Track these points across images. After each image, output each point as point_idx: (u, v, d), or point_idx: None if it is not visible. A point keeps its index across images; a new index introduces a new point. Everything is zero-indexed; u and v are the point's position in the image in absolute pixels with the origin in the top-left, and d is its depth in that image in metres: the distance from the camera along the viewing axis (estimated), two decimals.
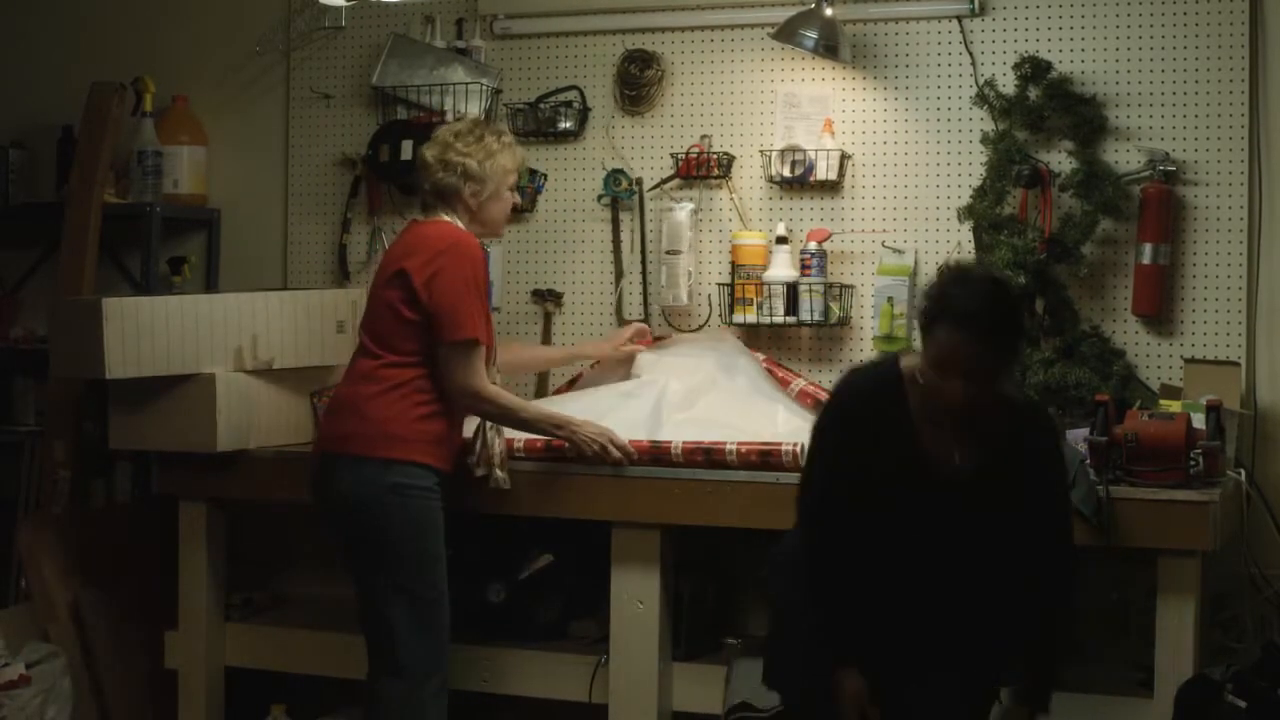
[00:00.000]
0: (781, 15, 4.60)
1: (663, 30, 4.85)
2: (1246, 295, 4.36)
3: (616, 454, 4.11)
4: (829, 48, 4.53)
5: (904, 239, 4.60)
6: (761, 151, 4.73)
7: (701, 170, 4.76)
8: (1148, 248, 4.35)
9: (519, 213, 4.78)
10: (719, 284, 4.74)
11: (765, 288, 4.62)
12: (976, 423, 3.33)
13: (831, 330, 4.66)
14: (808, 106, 4.69)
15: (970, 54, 4.56)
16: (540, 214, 4.95)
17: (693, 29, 4.82)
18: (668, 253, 4.74)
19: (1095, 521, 3.78)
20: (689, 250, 4.72)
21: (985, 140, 4.46)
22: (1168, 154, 4.37)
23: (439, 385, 4.00)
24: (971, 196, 4.46)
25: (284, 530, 4.98)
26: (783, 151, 4.69)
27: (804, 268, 4.60)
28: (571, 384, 4.74)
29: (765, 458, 4.07)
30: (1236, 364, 4.29)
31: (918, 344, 3.47)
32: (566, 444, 4.14)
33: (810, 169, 4.65)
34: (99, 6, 5.46)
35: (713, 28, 4.81)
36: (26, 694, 4.48)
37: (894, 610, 3.41)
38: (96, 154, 5.02)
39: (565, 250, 4.95)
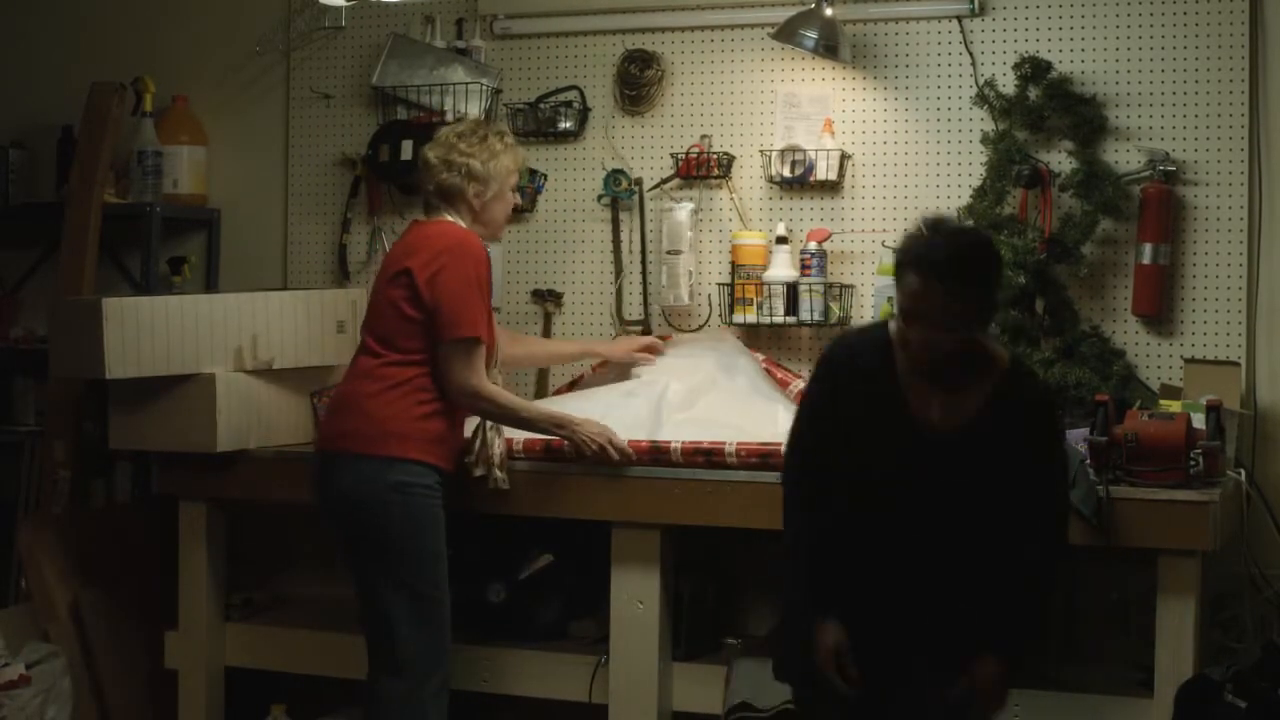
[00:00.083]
0: (781, 15, 4.60)
1: (663, 30, 4.85)
2: (1246, 295, 4.36)
3: (616, 455, 4.12)
4: (829, 48, 4.53)
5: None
6: (761, 151, 4.73)
7: (701, 170, 4.76)
8: (1148, 248, 4.35)
9: (519, 213, 4.78)
10: (719, 284, 4.74)
11: (765, 288, 4.62)
12: (948, 377, 3.29)
13: (831, 330, 4.65)
14: (808, 106, 4.70)
15: (970, 54, 4.56)
16: (540, 214, 4.95)
17: (693, 29, 4.82)
18: (668, 253, 4.74)
19: (1095, 521, 3.78)
20: (689, 250, 4.73)
21: (985, 140, 4.47)
22: (1168, 154, 4.37)
23: (440, 384, 4.00)
24: (971, 196, 4.46)
25: (284, 530, 4.98)
26: (783, 151, 4.69)
27: (804, 268, 4.60)
28: (573, 385, 4.74)
29: (765, 458, 4.07)
30: (1236, 364, 4.29)
31: None
32: (566, 443, 4.14)
33: (810, 169, 4.65)
34: (99, 6, 5.46)
35: (713, 28, 4.81)
36: (26, 694, 4.48)
37: (875, 570, 3.37)
38: (96, 154, 5.02)
39: (565, 250, 4.95)
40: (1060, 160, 4.43)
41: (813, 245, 4.59)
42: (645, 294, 4.85)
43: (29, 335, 5.37)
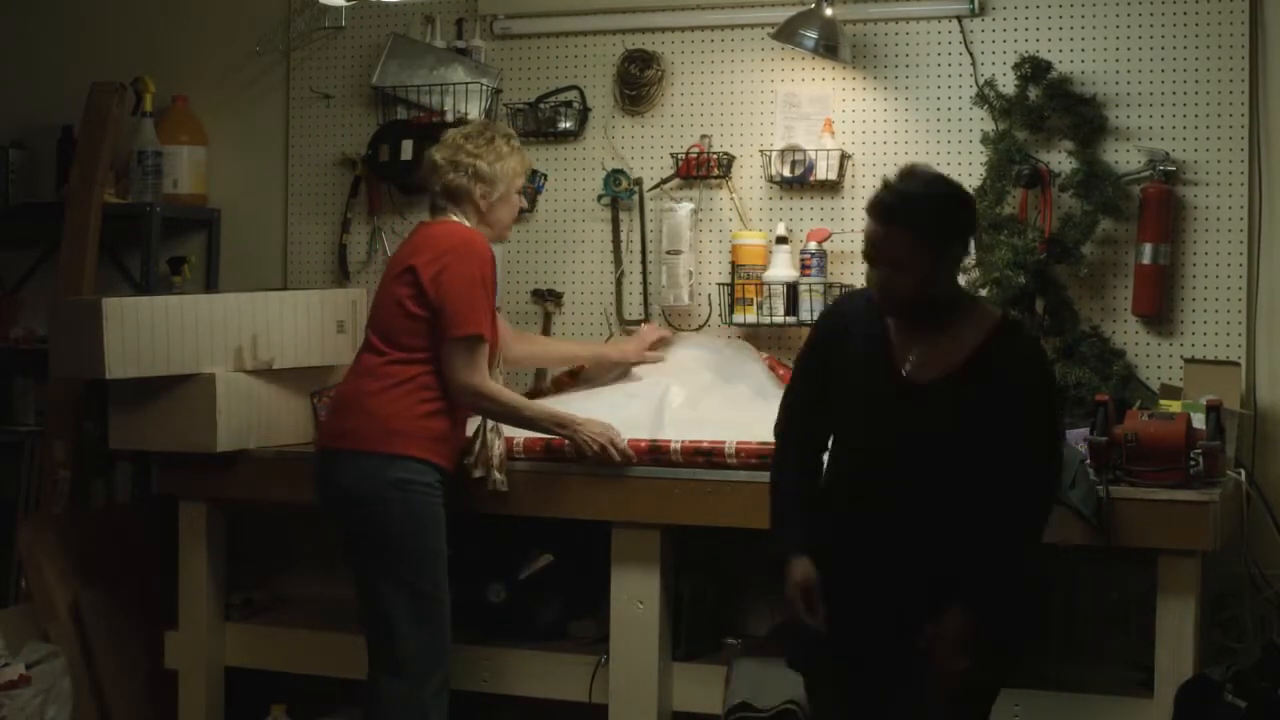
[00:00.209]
0: (781, 15, 4.60)
1: (663, 30, 4.85)
2: (1246, 295, 4.36)
3: (617, 455, 4.12)
4: (829, 48, 4.53)
5: None
6: (761, 151, 4.73)
7: (701, 170, 4.76)
8: (1148, 248, 4.35)
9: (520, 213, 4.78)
10: (719, 284, 4.74)
11: (765, 288, 4.62)
12: (916, 323, 3.31)
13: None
14: (808, 106, 4.69)
15: (970, 54, 4.56)
16: (540, 214, 4.95)
17: (693, 29, 4.82)
18: (668, 253, 4.74)
19: (1095, 521, 3.78)
20: (689, 250, 4.73)
21: (985, 140, 4.47)
22: (1168, 154, 4.37)
23: (443, 383, 4.00)
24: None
25: (284, 530, 4.98)
26: (783, 151, 4.69)
27: (804, 268, 4.60)
28: (574, 375, 4.74)
29: (765, 458, 4.06)
30: (1236, 364, 4.29)
31: None
32: (567, 443, 4.14)
33: (810, 169, 4.65)
34: (99, 6, 5.46)
35: (713, 28, 4.81)
36: (26, 694, 4.48)
37: (851, 517, 3.38)
38: (96, 154, 5.02)
39: (565, 250, 4.95)
40: (1060, 160, 4.43)
41: (813, 245, 4.59)
42: (645, 294, 4.85)
43: (29, 335, 5.37)
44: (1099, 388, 4.22)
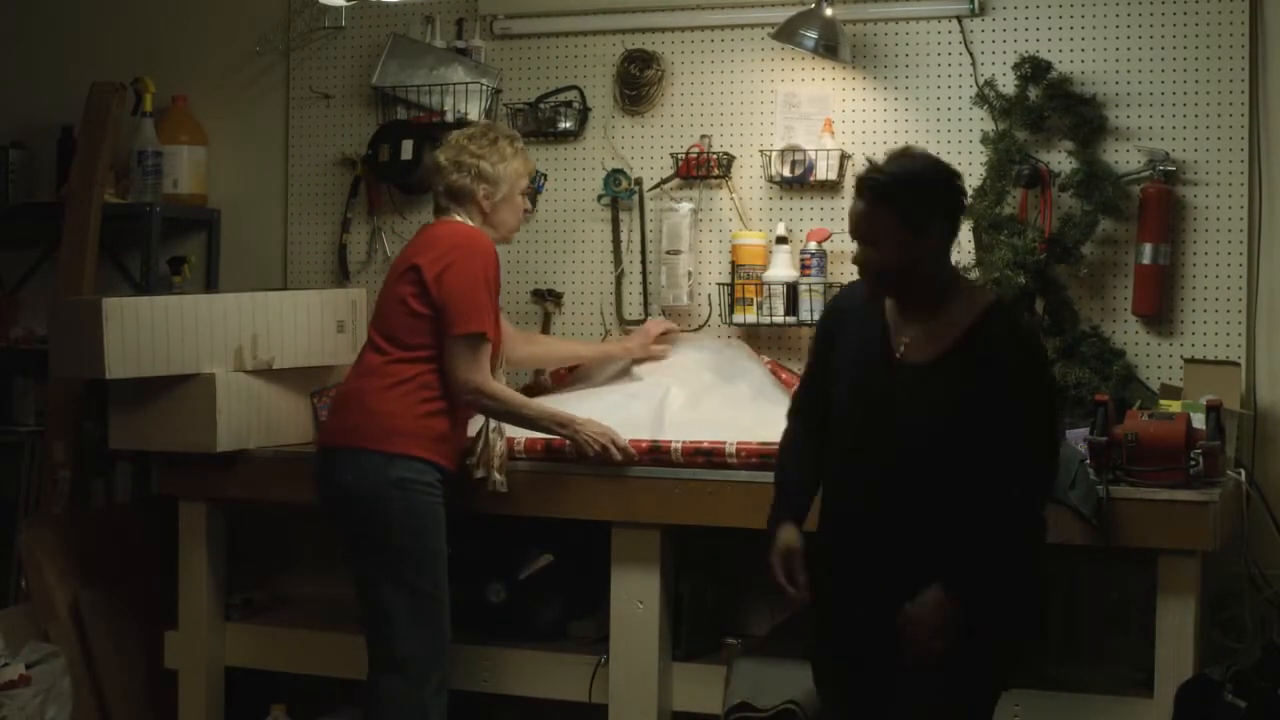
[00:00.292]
0: (781, 15, 4.60)
1: (663, 30, 4.85)
2: (1246, 295, 4.36)
3: (618, 455, 4.12)
4: (829, 48, 4.53)
5: None
6: (761, 151, 4.73)
7: (701, 170, 4.76)
8: (1148, 248, 4.35)
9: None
10: (719, 284, 4.74)
11: (765, 288, 4.62)
12: (904, 303, 3.33)
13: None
14: (808, 106, 4.70)
15: (970, 54, 4.56)
16: (540, 214, 4.95)
17: (693, 29, 4.82)
18: (668, 253, 4.75)
19: (1095, 521, 3.78)
20: (689, 250, 4.73)
21: (985, 140, 4.47)
22: (1168, 154, 4.37)
23: (445, 383, 4.01)
24: (971, 196, 4.44)
25: (284, 530, 4.99)
26: (783, 151, 4.69)
27: (804, 268, 4.60)
28: (572, 370, 4.74)
29: (765, 458, 4.06)
30: (1236, 364, 4.29)
31: None
32: (568, 443, 4.14)
33: (810, 169, 4.65)
34: (99, 6, 5.46)
35: (713, 28, 4.81)
36: (26, 694, 4.48)
37: (843, 495, 3.40)
38: (96, 154, 5.02)
39: (565, 250, 4.95)
40: (1060, 160, 4.43)
41: (813, 245, 4.59)
42: (645, 294, 4.85)
43: (29, 335, 5.37)
44: (1099, 388, 4.22)
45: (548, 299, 4.94)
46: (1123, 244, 4.43)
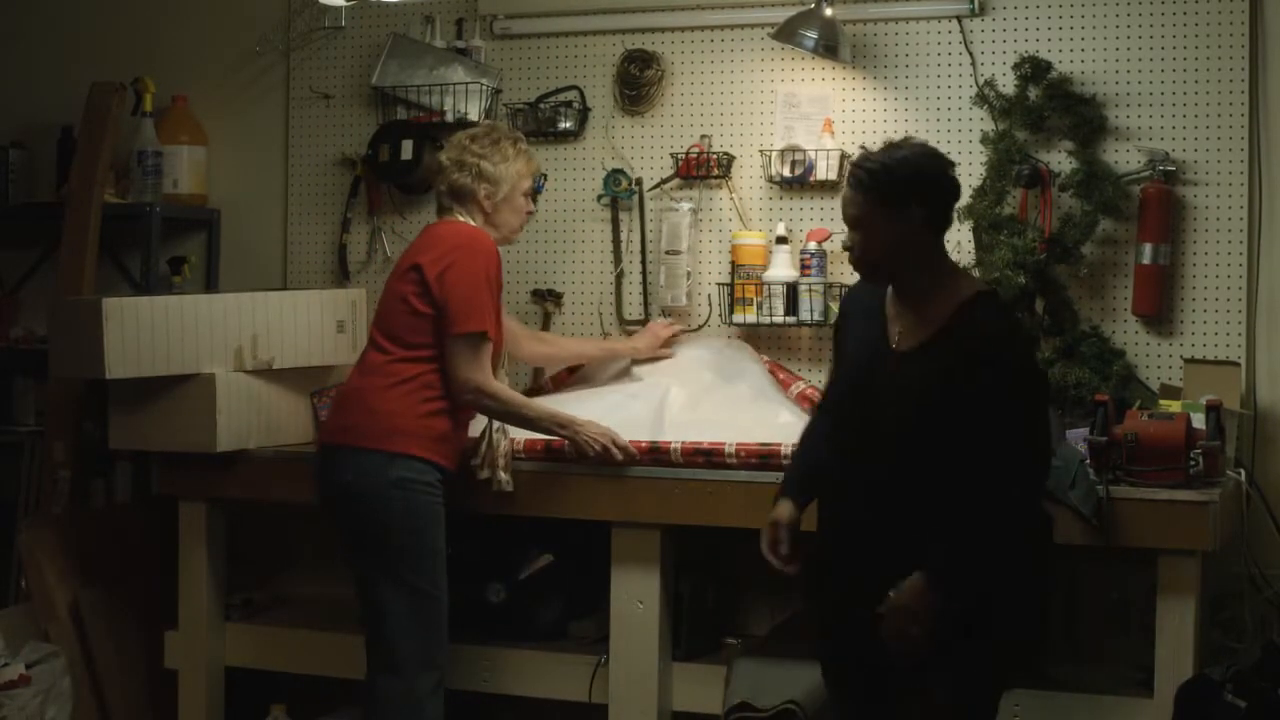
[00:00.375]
0: (781, 15, 4.60)
1: (663, 30, 4.85)
2: (1246, 295, 4.36)
3: (618, 455, 4.12)
4: (829, 48, 4.53)
5: None
6: (761, 151, 4.73)
7: (701, 170, 4.76)
8: (1148, 248, 4.35)
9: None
10: (719, 284, 4.74)
11: (765, 288, 4.62)
12: (903, 294, 3.36)
13: (831, 330, 4.64)
14: (808, 106, 4.69)
15: (970, 54, 4.56)
16: (540, 214, 4.94)
17: (693, 29, 4.82)
18: (667, 253, 4.75)
19: (1095, 521, 3.78)
20: (688, 250, 4.73)
21: (985, 140, 4.47)
22: (1168, 154, 4.37)
23: (446, 383, 4.01)
24: (971, 196, 4.45)
25: (284, 530, 4.99)
26: (783, 151, 4.69)
27: (804, 268, 4.60)
28: (572, 372, 4.74)
29: (765, 458, 4.07)
30: (1236, 364, 4.29)
31: None
32: (568, 444, 4.15)
33: (810, 169, 4.65)
34: (99, 6, 5.46)
35: (713, 28, 4.81)
36: (26, 694, 4.48)
37: (837, 481, 3.41)
38: (96, 154, 5.02)
39: (565, 250, 4.95)
40: (1060, 160, 4.43)
41: (813, 245, 4.59)
42: (645, 294, 4.85)
43: (29, 335, 5.37)
44: (1099, 388, 4.22)
45: (548, 299, 4.94)
46: (1123, 244, 4.43)
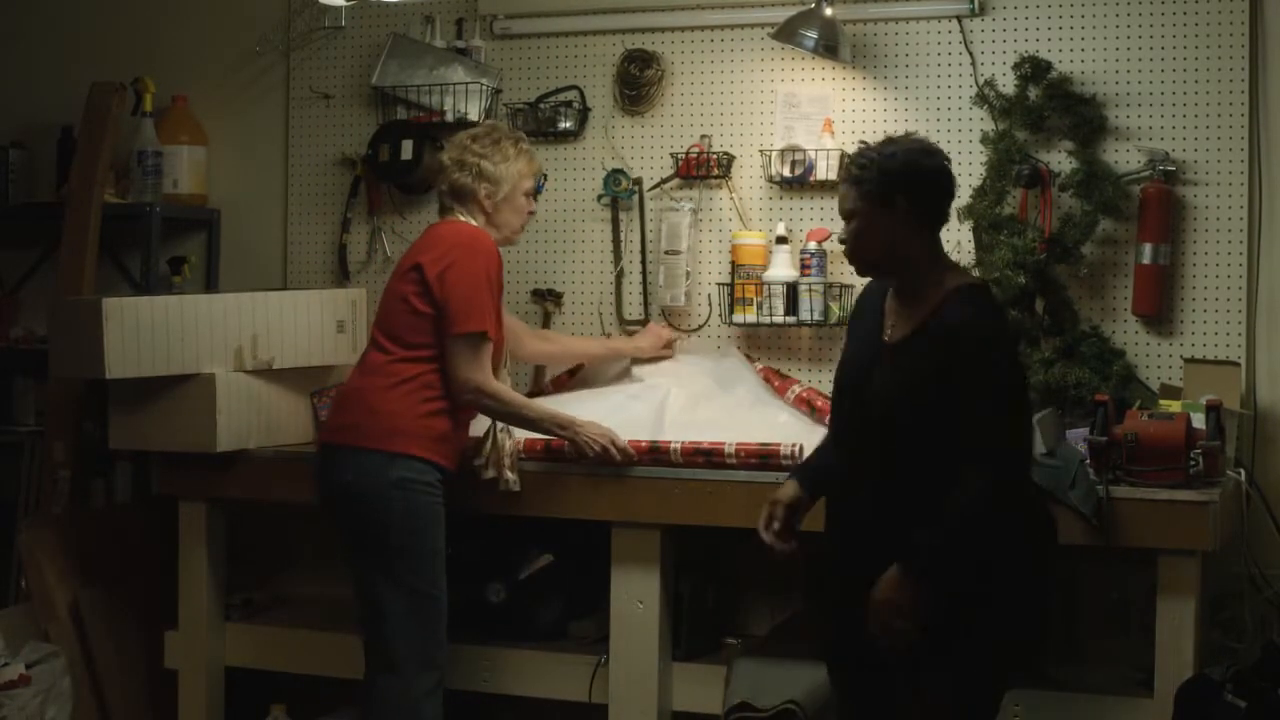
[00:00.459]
0: (781, 15, 4.60)
1: (663, 30, 4.85)
2: (1246, 295, 4.36)
3: (618, 456, 4.12)
4: (829, 48, 4.53)
5: None
6: (761, 151, 4.73)
7: (701, 170, 4.76)
8: (1148, 248, 4.35)
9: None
10: (719, 284, 4.74)
11: (765, 288, 4.62)
12: (900, 289, 3.38)
13: (831, 330, 4.65)
14: (808, 106, 4.69)
15: (970, 54, 4.56)
16: (540, 214, 4.93)
17: (693, 29, 4.82)
18: (667, 253, 4.75)
19: (1095, 521, 3.78)
20: (687, 250, 4.73)
21: (985, 140, 4.47)
22: (1168, 154, 4.37)
23: (447, 383, 4.01)
24: (971, 196, 4.45)
25: (284, 530, 4.99)
26: (783, 151, 4.69)
27: (804, 268, 4.60)
28: (572, 374, 4.74)
29: (764, 458, 4.07)
30: (1236, 364, 4.29)
31: None
32: (568, 444, 4.15)
33: (810, 169, 4.65)
34: (99, 6, 5.46)
35: (713, 28, 4.81)
36: (26, 694, 4.48)
37: (837, 474, 3.45)
38: (96, 154, 5.02)
39: (565, 250, 4.95)
40: (1060, 160, 4.43)
41: (813, 245, 4.59)
42: (645, 294, 4.85)
43: (29, 335, 5.37)
44: (1099, 388, 4.22)
45: (548, 299, 4.94)
46: (1123, 244, 4.43)
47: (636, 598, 4.19)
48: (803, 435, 4.16)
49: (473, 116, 4.90)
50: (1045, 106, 4.43)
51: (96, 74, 5.12)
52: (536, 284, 4.96)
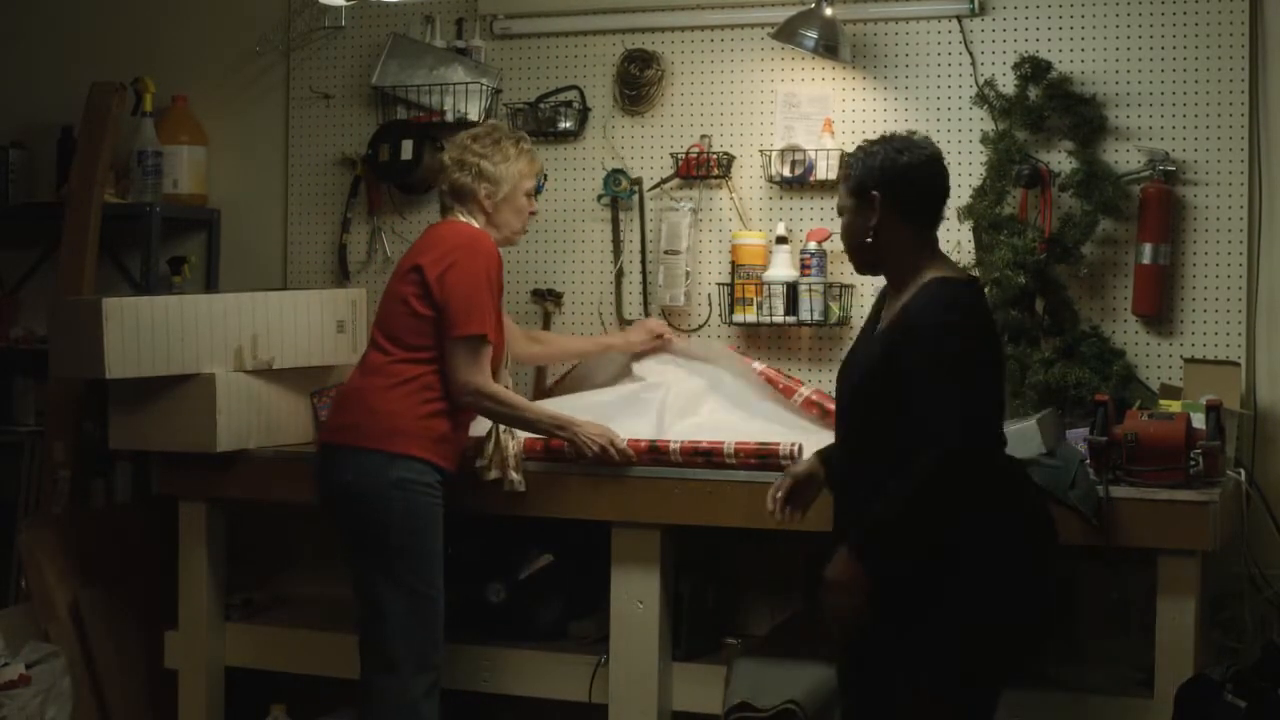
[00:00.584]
0: (781, 15, 4.60)
1: (663, 30, 4.85)
2: (1246, 295, 4.36)
3: (617, 455, 4.12)
4: (829, 48, 4.53)
5: None
6: (761, 151, 4.73)
7: (701, 170, 4.76)
8: (1148, 248, 4.35)
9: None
10: (719, 284, 4.74)
11: (765, 287, 4.62)
12: (890, 285, 3.45)
13: (831, 330, 4.66)
14: (808, 106, 4.70)
15: (970, 54, 4.56)
16: (540, 214, 4.92)
17: (693, 29, 4.82)
18: (666, 252, 4.75)
19: (1095, 521, 3.78)
20: (687, 250, 4.73)
21: (985, 140, 4.47)
22: (1168, 154, 4.37)
23: (447, 384, 4.01)
24: (971, 196, 4.46)
25: (284, 530, 4.99)
26: (783, 151, 4.69)
27: (804, 268, 4.60)
28: (568, 373, 4.74)
29: (764, 458, 4.07)
30: (1236, 364, 4.29)
31: None
32: (567, 444, 4.14)
33: (810, 169, 4.65)
34: (99, 6, 5.46)
35: (713, 28, 4.81)
36: (26, 694, 4.48)
37: (838, 480, 3.53)
38: (96, 154, 5.02)
39: (565, 250, 4.95)
40: (1060, 160, 4.43)
41: (813, 245, 4.59)
42: (645, 294, 4.85)
43: (29, 335, 5.37)
44: (1099, 388, 4.22)
45: (548, 299, 4.94)
46: (1123, 244, 4.43)
47: (636, 598, 4.19)
48: (803, 435, 4.16)
49: (473, 116, 4.90)
50: (1045, 106, 4.43)
51: (96, 74, 5.12)
52: (536, 284, 4.97)
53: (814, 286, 4.57)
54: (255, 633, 4.69)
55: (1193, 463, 3.85)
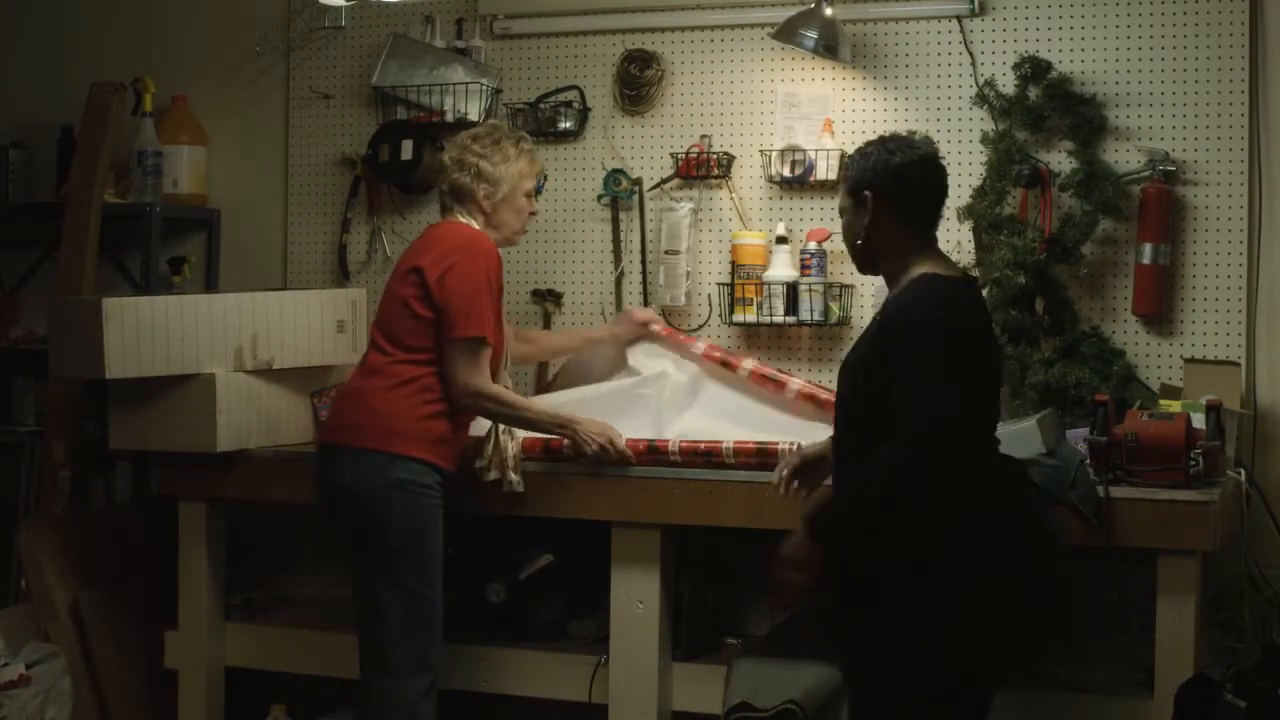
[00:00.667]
0: (781, 15, 4.60)
1: (663, 30, 4.85)
2: (1246, 295, 4.36)
3: (616, 454, 4.12)
4: (829, 48, 4.53)
5: None
6: (761, 151, 4.73)
7: (701, 170, 4.76)
8: (1148, 248, 4.35)
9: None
10: (719, 284, 4.74)
11: (765, 287, 4.62)
12: (881, 275, 3.50)
13: (831, 330, 4.66)
14: (808, 106, 4.70)
15: (970, 54, 4.56)
16: (540, 214, 4.92)
17: (693, 29, 4.82)
18: (667, 252, 4.75)
19: (1095, 521, 3.78)
20: (687, 250, 4.73)
21: (985, 140, 4.47)
22: (1168, 154, 4.37)
23: (447, 386, 4.01)
24: (971, 196, 4.46)
25: (284, 530, 4.99)
26: (783, 151, 4.69)
27: (804, 268, 4.60)
28: (553, 380, 4.74)
29: (762, 458, 4.07)
30: (1236, 364, 4.29)
31: None
32: (566, 442, 4.15)
33: (810, 169, 4.65)
34: (99, 6, 5.46)
35: (713, 28, 4.81)
36: (26, 694, 4.48)
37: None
38: (96, 154, 5.02)
39: (565, 250, 4.95)
40: (1060, 160, 4.43)
41: (813, 245, 4.59)
42: (645, 294, 4.85)
43: (29, 335, 5.37)
44: (1099, 388, 4.22)
45: (548, 299, 4.94)
46: (1123, 244, 4.43)
47: (636, 598, 4.19)
48: (800, 433, 4.16)
49: (473, 116, 4.90)
50: (1045, 106, 4.43)
51: (96, 74, 5.12)
52: (536, 284, 4.97)
53: (814, 286, 4.57)
54: (255, 633, 4.69)
55: (1193, 463, 3.85)
